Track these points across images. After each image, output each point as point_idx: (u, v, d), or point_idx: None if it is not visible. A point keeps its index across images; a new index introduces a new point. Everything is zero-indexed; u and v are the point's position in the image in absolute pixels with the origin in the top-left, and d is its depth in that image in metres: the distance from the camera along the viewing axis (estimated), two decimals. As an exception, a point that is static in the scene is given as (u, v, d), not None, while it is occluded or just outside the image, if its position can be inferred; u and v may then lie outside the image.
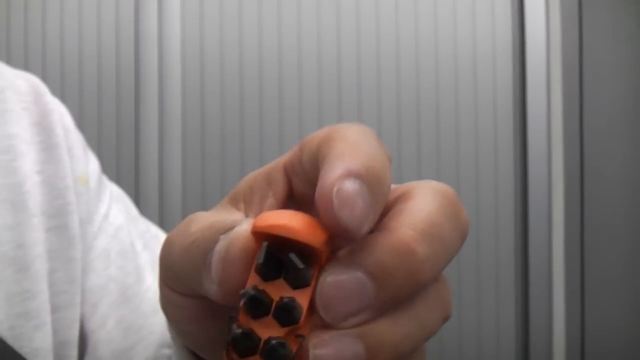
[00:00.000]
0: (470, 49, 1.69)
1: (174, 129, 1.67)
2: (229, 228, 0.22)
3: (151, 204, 1.63)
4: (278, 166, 0.25)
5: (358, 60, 1.68)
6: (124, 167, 1.65)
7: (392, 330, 0.20)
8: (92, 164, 0.45)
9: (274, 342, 0.19)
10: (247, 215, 0.25)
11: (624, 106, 1.71)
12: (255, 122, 1.67)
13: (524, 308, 1.68)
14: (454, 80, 1.69)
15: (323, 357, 0.19)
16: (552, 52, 1.68)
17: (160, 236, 0.48)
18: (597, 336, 1.68)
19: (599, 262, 1.69)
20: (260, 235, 0.20)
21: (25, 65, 1.65)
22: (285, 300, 0.20)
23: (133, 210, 0.48)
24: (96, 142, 1.64)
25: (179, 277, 0.24)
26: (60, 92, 1.64)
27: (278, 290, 0.20)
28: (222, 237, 0.21)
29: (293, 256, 0.20)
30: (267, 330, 0.20)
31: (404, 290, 0.20)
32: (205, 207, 1.66)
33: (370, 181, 0.20)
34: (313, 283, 0.20)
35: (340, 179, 0.19)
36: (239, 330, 0.20)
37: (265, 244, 0.20)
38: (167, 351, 0.34)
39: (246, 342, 0.20)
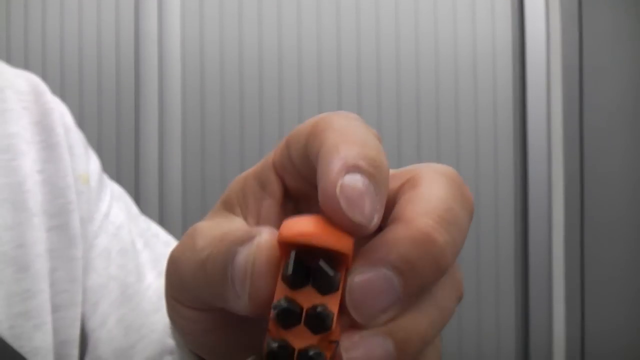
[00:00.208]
0: (470, 49, 1.69)
1: (174, 129, 1.67)
2: (245, 239, 0.21)
3: (151, 204, 1.63)
4: (267, 165, 0.25)
5: (358, 60, 1.68)
6: (124, 167, 1.65)
7: (417, 321, 0.21)
8: (92, 163, 0.45)
9: (311, 352, 0.19)
10: (245, 220, 0.25)
11: (624, 106, 1.71)
12: (255, 122, 1.67)
13: (524, 308, 1.68)
14: (454, 80, 1.69)
15: (355, 357, 0.20)
16: (552, 52, 1.68)
17: (161, 234, 0.48)
18: (597, 336, 1.68)
19: (599, 262, 1.69)
20: (287, 244, 0.20)
21: (25, 65, 1.65)
22: (318, 308, 0.19)
23: (133, 208, 0.48)
24: (96, 142, 1.64)
25: (194, 294, 0.24)
26: (60, 92, 1.64)
27: (307, 298, 0.20)
28: (240, 249, 0.21)
29: (323, 264, 0.19)
30: (300, 340, 0.20)
31: (429, 279, 0.20)
32: (205, 207, 1.66)
33: (371, 171, 0.20)
34: (341, 287, 0.20)
35: (340, 176, 0.19)
36: (275, 344, 0.19)
37: (293, 252, 0.20)
38: (169, 358, 0.34)
39: (282, 354, 0.20)
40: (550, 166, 1.68)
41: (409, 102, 1.68)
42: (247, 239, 0.21)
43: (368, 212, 0.19)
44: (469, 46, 1.69)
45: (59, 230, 0.40)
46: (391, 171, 0.23)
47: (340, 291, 0.20)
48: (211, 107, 1.67)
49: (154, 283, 0.44)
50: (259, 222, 0.24)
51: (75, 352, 0.39)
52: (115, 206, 0.45)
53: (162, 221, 1.63)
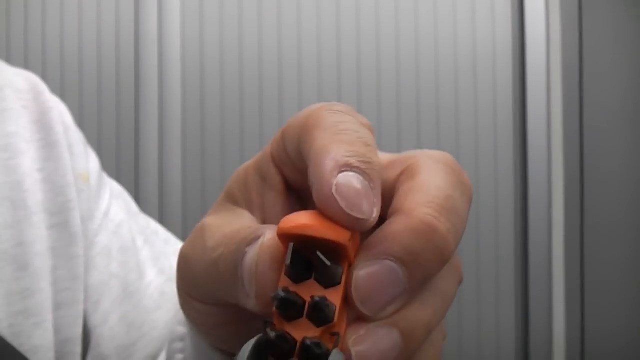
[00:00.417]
0: (470, 49, 1.69)
1: (174, 129, 1.67)
2: (253, 239, 0.21)
3: (151, 204, 1.63)
4: (266, 158, 0.25)
5: (358, 60, 1.68)
6: (124, 166, 1.65)
7: (422, 310, 0.21)
8: (92, 161, 0.45)
9: (308, 342, 0.19)
10: (251, 213, 0.25)
11: (624, 106, 1.71)
12: (255, 122, 1.67)
13: (524, 308, 1.68)
14: (454, 80, 1.69)
15: (363, 353, 0.20)
16: (552, 52, 1.68)
17: (160, 232, 0.48)
18: (597, 336, 1.68)
19: (599, 262, 1.69)
20: (286, 237, 0.20)
21: (25, 65, 1.65)
22: (317, 299, 0.19)
23: (133, 206, 0.48)
24: (96, 142, 1.64)
25: (207, 291, 0.24)
26: (60, 92, 1.64)
27: (309, 291, 0.20)
28: (247, 249, 0.21)
29: (320, 254, 0.20)
30: (302, 332, 0.20)
31: (434, 269, 0.20)
32: (205, 207, 1.66)
33: (363, 167, 0.20)
34: (344, 280, 0.20)
35: (332, 176, 0.20)
36: (273, 334, 0.20)
37: (291, 245, 0.20)
38: (179, 344, 0.34)
39: (282, 345, 0.20)
40: (550, 166, 1.68)
41: (409, 102, 1.68)
42: (253, 239, 0.21)
43: (367, 208, 0.20)
44: (469, 46, 1.69)
45: (60, 228, 0.40)
46: (387, 156, 0.23)
47: (342, 284, 0.20)
48: (211, 107, 1.67)
49: (155, 280, 0.44)
50: (264, 215, 0.25)
51: (77, 349, 0.39)
52: (115, 204, 0.45)
53: (162, 221, 1.63)
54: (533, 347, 1.66)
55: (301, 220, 0.20)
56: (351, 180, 0.20)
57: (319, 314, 0.19)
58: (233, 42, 1.68)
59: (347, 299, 0.20)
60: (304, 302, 0.20)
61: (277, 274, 0.21)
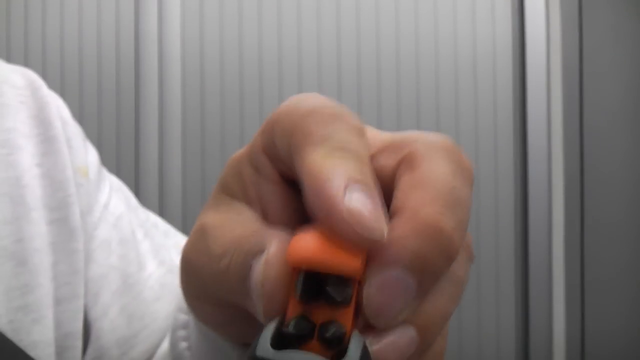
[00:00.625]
0: (470, 49, 1.69)
1: (174, 129, 1.67)
2: (257, 251, 0.21)
3: (151, 203, 1.63)
4: (257, 148, 0.24)
5: (358, 60, 1.68)
6: (124, 166, 1.65)
7: (436, 301, 0.21)
8: (91, 155, 0.45)
9: (328, 325, 0.20)
10: (249, 205, 0.24)
11: (624, 106, 1.71)
12: (255, 122, 1.67)
13: (524, 308, 1.68)
14: (454, 80, 1.69)
15: (382, 351, 0.20)
16: (552, 52, 1.68)
17: (160, 224, 0.48)
18: (597, 336, 1.68)
19: (599, 262, 1.69)
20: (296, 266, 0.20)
21: (25, 65, 1.65)
22: (330, 327, 0.20)
23: (133, 200, 0.48)
24: (96, 142, 1.64)
25: (217, 296, 0.24)
26: (61, 92, 1.64)
27: (320, 312, 0.20)
28: (253, 262, 0.21)
29: (331, 289, 0.20)
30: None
31: (442, 269, 0.20)
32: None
33: (364, 188, 0.20)
34: (354, 298, 0.20)
35: (337, 201, 0.19)
36: (293, 321, 0.20)
37: (302, 276, 0.20)
38: (182, 332, 0.34)
39: (301, 326, 0.20)
40: (550, 166, 1.68)
41: (409, 102, 1.68)
42: (258, 252, 0.21)
43: (378, 226, 0.19)
44: (469, 47, 1.69)
45: (60, 223, 0.40)
46: (381, 137, 0.23)
47: (354, 303, 0.20)
48: (211, 107, 1.67)
49: (155, 272, 0.44)
50: (262, 208, 0.24)
51: (78, 343, 0.39)
52: (114, 197, 0.45)
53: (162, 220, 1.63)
54: (533, 347, 1.66)
55: (310, 249, 0.20)
56: (358, 203, 0.19)
57: (330, 339, 0.20)
58: (233, 42, 1.68)
59: (357, 312, 0.20)
60: (314, 325, 0.20)
61: (284, 291, 0.20)
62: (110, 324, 0.41)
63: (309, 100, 0.22)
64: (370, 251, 0.20)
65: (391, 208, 0.21)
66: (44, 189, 0.39)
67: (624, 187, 1.71)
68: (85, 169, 0.43)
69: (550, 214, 1.67)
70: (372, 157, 0.22)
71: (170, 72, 1.67)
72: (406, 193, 0.20)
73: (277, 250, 0.21)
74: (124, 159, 1.66)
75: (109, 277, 0.42)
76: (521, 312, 1.68)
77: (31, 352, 0.36)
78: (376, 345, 0.20)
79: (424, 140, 0.22)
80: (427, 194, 0.20)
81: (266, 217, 0.24)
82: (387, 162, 0.22)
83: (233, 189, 0.25)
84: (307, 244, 0.20)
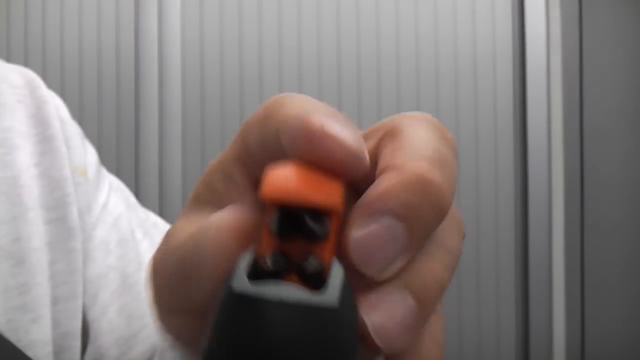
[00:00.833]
0: (470, 49, 1.69)
1: (174, 129, 1.67)
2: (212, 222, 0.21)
3: (151, 203, 1.63)
4: (229, 158, 0.24)
5: (358, 60, 1.68)
6: (124, 166, 1.65)
7: (430, 267, 0.20)
8: (90, 155, 0.45)
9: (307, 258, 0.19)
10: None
11: (624, 106, 1.71)
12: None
13: (524, 308, 1.68)
14: (454, 80, 1.69)
15: (379, 321, 0.19)
16: (552, 52, 1.68)
17: (160, 224, 0.48)
18: (597, 337, 1.68)
19: (599, 263, 1.69)
20: (271, 202, 0.19)
21: (25, 65, 1.65)
22: (309, 261, 0.19)
23: (132, 199, 0.48)
24: (96, 142, 1.64)
25: (182, 296, 0.23)
26: (61, 92, 1.64)
27: (296, 248, 0.19)
28: (206, 230, 0.21)
29: (311, 223, 0.19)
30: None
31: (432, 222, 0.20)
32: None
33: (344, 118, 0.20)
34: (333, 233, 0.19)
35: (317, 123, 0.19)
36: (269, 254, 0.19)
37: (277, 212, 0.19)
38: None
39: (278, 261, 0.19)
40: (550, 166, 1.68)
41: (409, 103, 1.68)
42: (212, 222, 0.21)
43: (358, 144, 0.19)
44: (469, 47, 1.69)
45: (58, 222, 0.40)
46: (365, 131, 0.23)
47: (332, 237, 0.19)
48: (211, 107, 1.67)
49: None
50: None
51: (76, 343, 0.39)
52: (114, 196, 0.45)
53: (162, 220, 1.63)
54: (533, 347, 1.66)
55: (287, 183, 0.19)
56: (338, 127, 0.19)
57: (312, 273, 0.19)
58: (233, 42, 1.68)
59: (335, 249, 0.19)
60: (290, 260, 0.19)
61: (235, 243, 0.20)
62: (109, 324, 0.41)
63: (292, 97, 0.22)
64: (356, 204, 0.19)
65: (377, 172, 0.20)
66: (41, 188, 0.39)
67: (624, 187, 1.71)
68: (84, 168, 0.43)
69: (550, 214, 1.67)
70: None
71: (170, 72, 1.67)
72: (390, 155, 0.20)
73: (222, 216, 0.20)
74: (124, 159, 1.66)
75: (108, 277, 0.42)
76: (521, 312, 1.68)
77: (29, 352, 0.36)
78: (373, 315, 0.19)
79: (405, 115, 0.22)
80: (412, 152, 0.20)
81: None
82: (371, 143, 0.21)
83: (203, 199, 0.24)
84: (284, 177, 0.19)
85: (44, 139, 0.41)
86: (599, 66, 1.70)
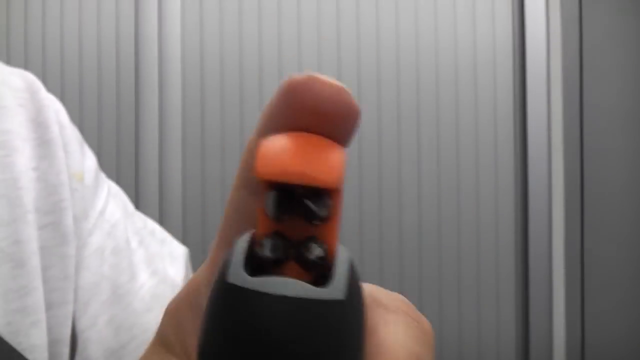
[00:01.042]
0: (470, 49, 1.69)
1: (174, 129, 1.67)
2: None
3: (151, 204, 1.63)
4: (197, 290, 0.22)
5: (358, 61, 1.68)
6: (124, 167, 1.65)
7: None
8: (88, 160, 0.45)
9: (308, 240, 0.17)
10: (188, 358, 0.22)
11: (624, 106, 1.71)
12: (255, 122, 1.66)
13: (524, 308, 1.68)
14: (454, 80, 1.69)
15: None
16: (552, 53, 1.68)
17: (157, 232, 0.48)
18: (597, 337, 1.68)
19: (599, 263, 1.69)
20: (266, 180, 0.17)
21: (25, 65, 1.65)
22: (311, 246, 0.17)
23: (130, 206, 0.48)
24: (96, 142, 1.64)
25: None
26: (60, 92, 1.64)
27: (295, 230, 0.17)
28: None
29: (312, 203, 0.17)
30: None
31: None
32: (205, 207, 1.65)
33: None
34: (336, 213, 0.17)
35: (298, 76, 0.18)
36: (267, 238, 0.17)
37: (273, 194, 0.17)
38: None
39: (277, 244, 0.17)
40: (550, 166, 1.68)
41: (409, 103, 1.68)
42: None
43: (354, 103, 0.18)
44: (469, 47, 1.69)
45: (52, 227, 0.40)
46: None
47: (335, 217, 0.17)
48: (211, 107, 1.67)
49: (147, 282, 0.44)
50: None
51: (65, 350, 0.39)
52: (111, 203, 0.45)
53: (162, 221, 1.63)
54: (533, 347, 1.66)
55: (285, 159, 0.17)
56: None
57: (315, 260, 0.17)
58: (233, 42, 1.68)
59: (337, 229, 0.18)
60: (289, 244, 0.17)
61: None
62: (97, 335, 0.41)
63: None
64: None
65: None
66: (38, 192, 0.39)
67: (624, 187, 1.71)
68: (81, 174, 0.43)
69: (550, 214, 1.67)
70: None
71: (170, 72, 1.67)
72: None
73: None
74: (124, 159, 1.66)
75: (100, 286, 0.42)
76: (521, 312, 1.68)
77: (29, 356, 0.35)
78: None
79: (377, 301, 0.20)
80: None
81: None
82: None
83: (170, 341, 0.23)
84: (280, 151, 0.17)
85: (43, 143, 0.41)
86: (599, 67, 1.70)
